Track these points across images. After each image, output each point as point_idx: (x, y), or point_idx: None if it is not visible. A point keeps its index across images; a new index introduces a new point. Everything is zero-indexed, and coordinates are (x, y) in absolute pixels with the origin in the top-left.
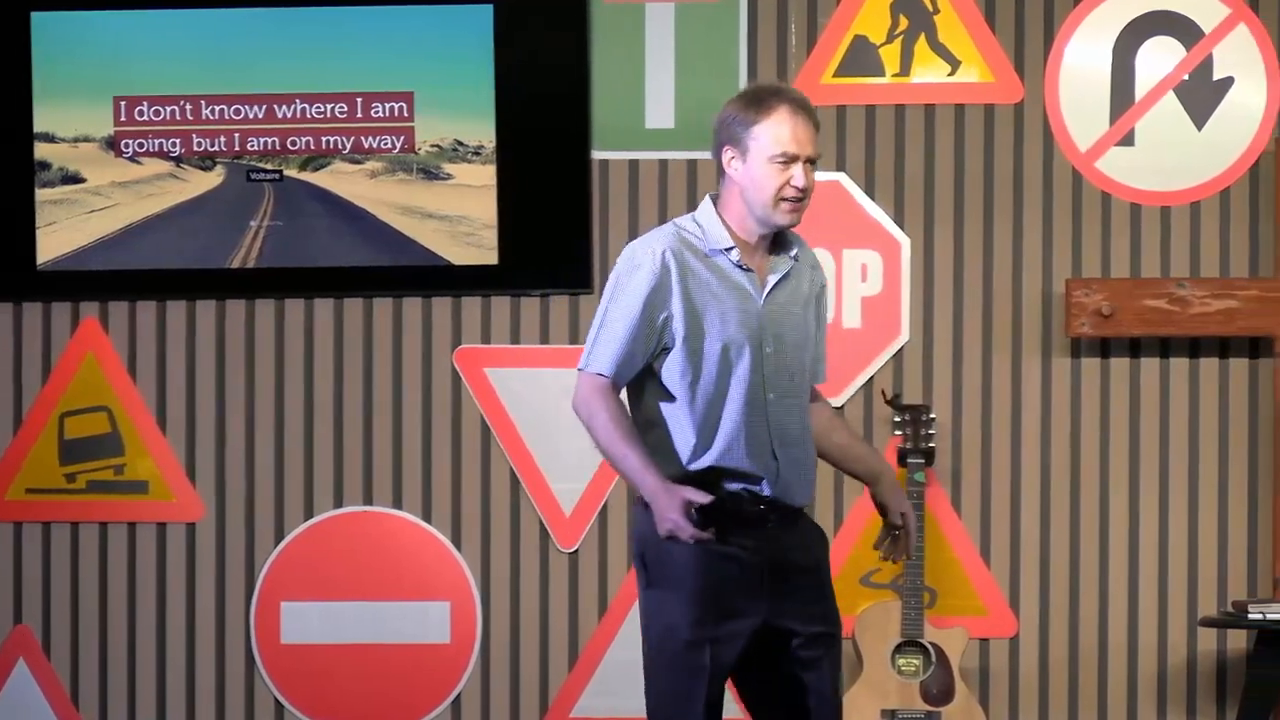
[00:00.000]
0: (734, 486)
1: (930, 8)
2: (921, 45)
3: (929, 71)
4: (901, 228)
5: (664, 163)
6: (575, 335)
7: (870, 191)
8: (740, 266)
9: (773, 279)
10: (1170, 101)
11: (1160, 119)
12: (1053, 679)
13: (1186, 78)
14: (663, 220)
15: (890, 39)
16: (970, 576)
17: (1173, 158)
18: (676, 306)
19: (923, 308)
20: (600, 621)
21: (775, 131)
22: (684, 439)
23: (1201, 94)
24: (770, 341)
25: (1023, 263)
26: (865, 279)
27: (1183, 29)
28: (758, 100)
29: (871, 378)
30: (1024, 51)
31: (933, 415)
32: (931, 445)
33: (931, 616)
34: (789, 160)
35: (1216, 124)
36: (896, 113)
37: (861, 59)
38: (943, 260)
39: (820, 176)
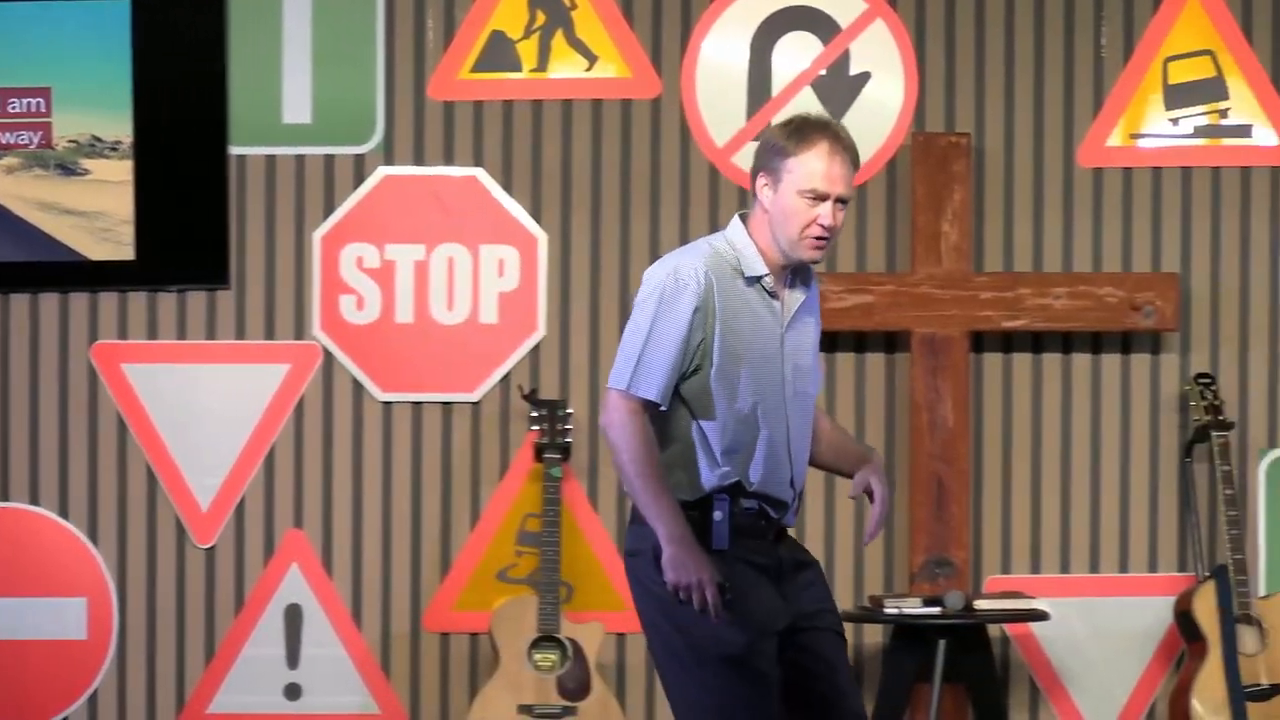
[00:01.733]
0: (749, 504)
1: (568, 3)
2: (559, 40)
3: (566, 67)
4: (539, 223)
5: (301, 158)
6: (213, 331)
7: (508, 187)
8: (770, 293)
9: (794, 307)
10: (807, 96)
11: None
12: None
13: (823, 73)
14: (300, 215)
15: (528, 34)
16: (607, 572)
17: None
18: (714, 328)
19: (559, 303)
20: (237, 617)
21: (810, 166)
22: (710, 458)
23: (838, 89)
24: (790, 369)
25: (659, 257)
26: (502, 274)
27: (820, 24)
28: (800, 131)
29: (508, 373)
30: (661, 47)
31: (570, 410)
32: (568, 440)
33: (568, 612)
34: (818, 198)
35: (853, 119)
36: (534, 108)
37: (499, 54)
38: (579, 256)
39: (457, 172)
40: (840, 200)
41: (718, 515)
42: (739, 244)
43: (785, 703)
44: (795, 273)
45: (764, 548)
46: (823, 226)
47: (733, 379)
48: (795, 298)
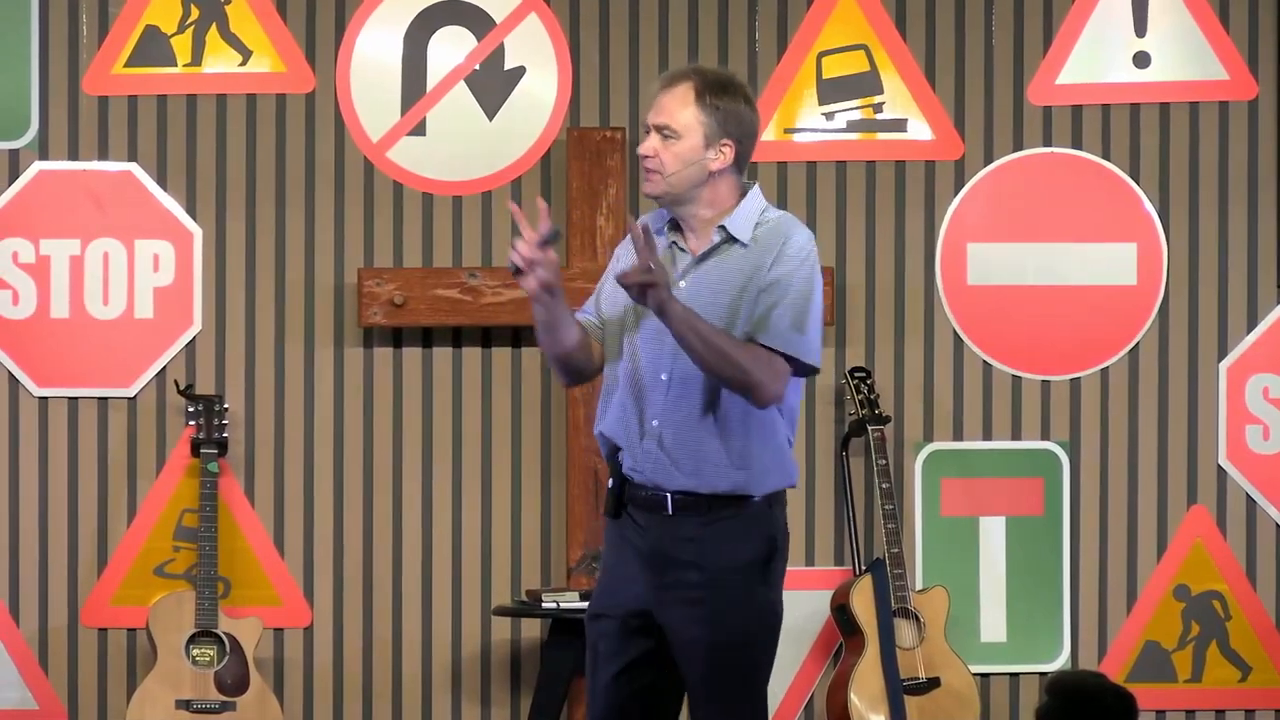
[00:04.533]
0: (629, 471)
1: None
2: (213, 35)
3: (221, 61)
4: (194, 218)
5: None
6: None
7: (162, 182)
8: (675, 246)
9: (698, 262)
10: (461, 91)
11: (452, 109)
12: (347, 669)
13: (478, 68)
14: None
15: (182, 29)
16: (264, 566)
17: (464, 147)
18: (608, 276)
19: (215, 298)
20: None
21: None
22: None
23: (493, 84)
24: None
25: (315, 253)
26: (158, 269)
27: (474, 19)
28: None
29: (164, 368)
30: (316, 41)
31: (226, 405)
32: (225, 435)
33: (226, 607)
34: (647, 131)
35: (508, 113)
36: (188, 103)
37: (153, 49)
38: (235, 250)
39: (111, 166)
40: (660, 129)
41: (611, 482)
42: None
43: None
44: (722, 230)
45: (646, 522)
46: (641, 155)
47: (616, 327)
48: (705, 250)
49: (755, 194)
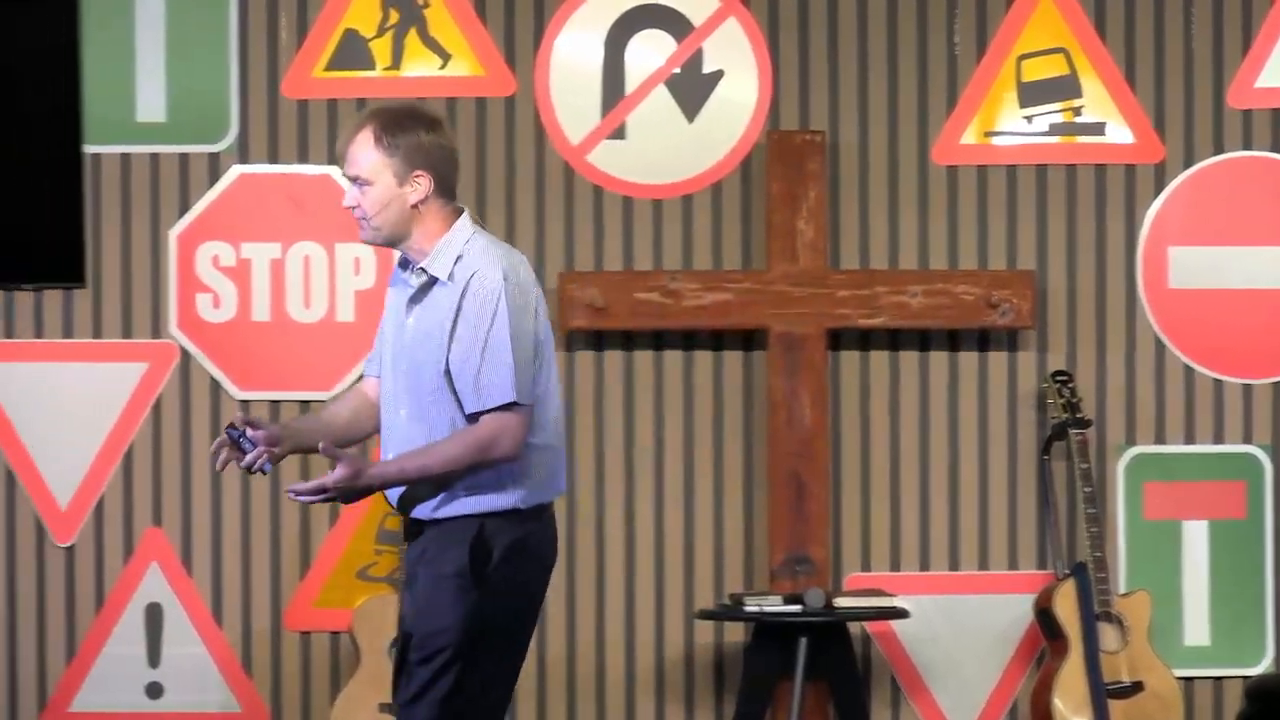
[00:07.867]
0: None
1: (421, 2)
2: (412, 38)
3: (420, 65)
4: None
5: (155, 156)
6: (70, 330)
7: None
8: (407, 282)
9: (412, 295)
10: (661, 94)
11: (651, 112)
12: (550, 674)
13: (677, 71)
14: (155, 214)
15: (381, 32)
16: None
17: (664, 151)
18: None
19: None
20: (97, 616)
21: None
22: None
23: (692, 87)
24: (402, 354)
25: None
26: (359, 273)
27: (673, 22)
28: None
29: None
30: (515, 44)
31: None
32: None
33: None
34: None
35: (707, 117)
36: None
37: (352, 52)
38: None
39: (312, 170)
40: (353, 180)
41: None
42: None
43: None
44: (431, 266)
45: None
46: (346, 206)
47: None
48: (419, 287)
49: (460, 225)
